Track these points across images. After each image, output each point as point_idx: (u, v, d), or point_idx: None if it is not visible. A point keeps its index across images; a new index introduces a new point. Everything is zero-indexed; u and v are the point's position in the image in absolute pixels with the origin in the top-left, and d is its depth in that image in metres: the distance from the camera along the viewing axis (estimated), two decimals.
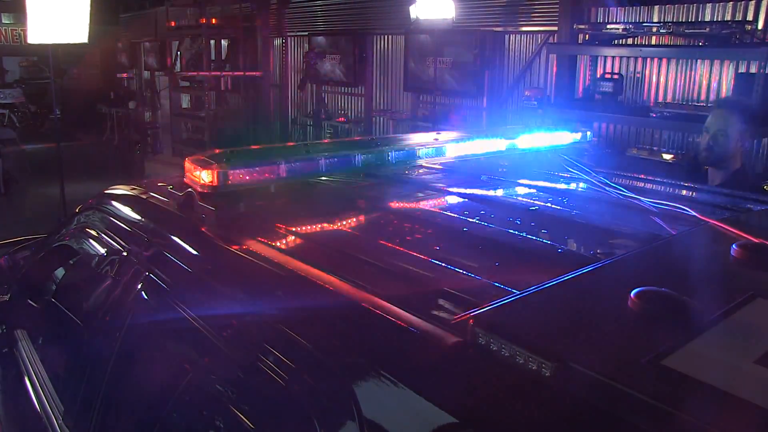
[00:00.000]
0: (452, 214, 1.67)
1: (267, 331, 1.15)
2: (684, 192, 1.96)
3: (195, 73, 10.20)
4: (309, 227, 1.55)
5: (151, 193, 1.93)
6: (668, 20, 4.99)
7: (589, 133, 2.29)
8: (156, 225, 1.74)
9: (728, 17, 4.66)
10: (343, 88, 8.71)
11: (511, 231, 1.46)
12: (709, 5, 4.76)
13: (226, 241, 1.45)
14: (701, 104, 4.84)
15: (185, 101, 12.14)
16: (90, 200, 2.15)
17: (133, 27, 14.08)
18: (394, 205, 1.72)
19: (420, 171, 2.11)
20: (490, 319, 0.90)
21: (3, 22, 15.84)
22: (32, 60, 16.37)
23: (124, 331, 1.55)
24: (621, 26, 5.12)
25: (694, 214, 1.48)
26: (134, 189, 2.05)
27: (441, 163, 2.03)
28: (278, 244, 1.44)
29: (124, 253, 1.71)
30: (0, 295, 2.49)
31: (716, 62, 4.80)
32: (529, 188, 1.96)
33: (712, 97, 4.81)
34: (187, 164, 1.55)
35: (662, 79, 5.15)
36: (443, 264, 1.25)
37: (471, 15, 6.61)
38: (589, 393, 0.76)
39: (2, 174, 9.17)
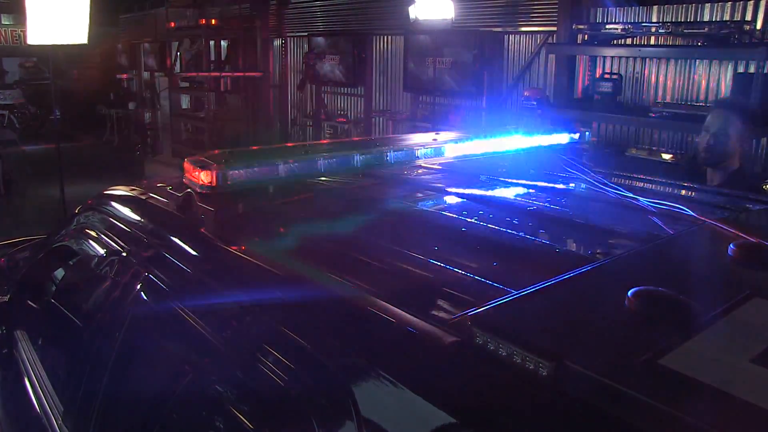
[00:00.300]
0: (451, 214, 1.68)
1: (266, 332, 1.15)
2: (682, 192, 1.97)
3: (195, 74, 10.21)
4: (308, 227, 1.55)
5: (151, 194, 1.93)
6: (667, 20, 4.99)
7: (588, 133, 2.29)
8: (155, 226, 1.74)
9: (727, 17, 4.67)
10: (342, 89, 8.72)
11: (510, 231, 1.46)
12: (707, 5, 4.77)
13: (225, 241, 1.45)
14: (700, 104, 4.85)
15: (185, 102, 12.15)
16: (89, 201, 2.15)
17: (132, 28, 14.09)
18: (393, 205, 1.73)
19: (419, 171, 2.11)
20: (488, 319, 0.90)
21: (3, 23, 15.85)
22: (32, 61, 16.37)
23: (124, 332, 1.55)
24: (620, 26, 5.13)
25: (692, 213, 1.48)
26: (134, 190, 2.06)
27: (440, 164, 2.03)
28: (277, 244, 1.44)
29: (124, 254, 1.71)
30: (0, 296, 2.50)
31: (715, 62, 4.81)
32: (528, 188, 1.96)
33: (710, 97, 4.82)
34: (186, 165, 1.55)
35: (661, 79, 5.16)
36: (441, 264, 1.25)
37: (470, 15, 6.62)
38: (587, 392, 0.77)
39: (2, 175, 9.17)
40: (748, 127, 2.83)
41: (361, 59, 8.17)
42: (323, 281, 1.17)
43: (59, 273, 2.29)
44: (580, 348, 0.85)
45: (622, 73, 5.37)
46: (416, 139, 1.96)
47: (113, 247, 1.80)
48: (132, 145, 12.28)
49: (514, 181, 2.01)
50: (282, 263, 1.30)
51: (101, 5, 7.84)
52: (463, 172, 2.05)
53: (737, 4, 4.61)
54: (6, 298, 2.47)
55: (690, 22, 4.85)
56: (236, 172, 1.50)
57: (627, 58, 5.34)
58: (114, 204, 1.99)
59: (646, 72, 5.25)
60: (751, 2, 4.54)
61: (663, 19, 5.04)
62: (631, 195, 1.68)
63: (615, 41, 5.31)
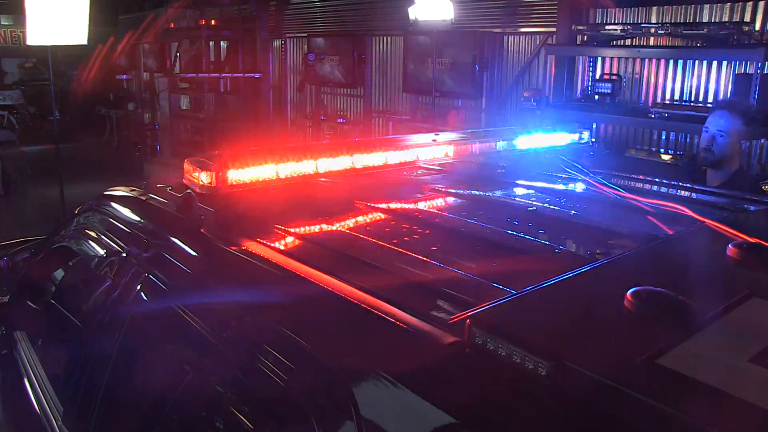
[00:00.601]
0: (450, 215, 1.68)
1: (266, 332, 1.15)
2: (681, 192, 1.97)
3: (194, 75, 10.21)
4: (308, 228, 1.56)
5: (151, 195, 1.94)
6: (666, 21, 5.00)
7: (587, 133, 2.30)
8: (155, 226, 1.75)
9: (726, 18, 4.67)
10: (341, 90, 8.72)
11: (509, 231, 1.47)
12: (706, 6, 4.77)
13: (225, 242, 1.45)
14: (699, 105, 4.85)
15: (184, 103, 12.14)
16: (89, 201, 2.15)
17: (132, 28, 14.08)
18: (393, 205, 1.73)
19: (418, 172, 2.12)
20: (487, 319, 0.91)
21: (2, 23, 15.85)
22: (31, 61, 16.36)
23: (124, 332, 1.56)
24: (619, 27, 5.13)
25: (691, 214, 1.49)
26: (133, 190, 2.06)
27: (439, 164, 2.03)
28: (277, 244, 1.44)
29: (124, 254, 1.72)
30: (0, 297, 2.50)
31: (714, 63, 4.81)
32: (527, 189, 1.97)
33: (710, 97, 4.83)
34: (186, 165, 1.56)
35: (660, 80, 5.17)
36: (441, 264, 1.25)
37: (470, 16, 6.62)
38: (585, 392, 0.77)
39: (2, 175, 9.17)
40: (747, 128, 2.83)
41: (360, 60, 8.17)
42: (323, 282, 1.17)
43: (59, 273, 2.30)
44: (579, 348, 0.85)
45: (622, 73, 5.37)
46: (416, 139, 1.96)
47: (113, 247, 1.80)
48: (131, 146, 12.26)
49: (514, 181, 2.02)
50: (282, 264, 1.30)
51: (101, 6, 7.85)
52: (462, 172, 2.05)
53: (736, 5, 4.61)
54: (6, 299, 2.47)
55: (689, 23, 4.86)
56: (236, 172, 1.50)
57: (626, 58, 5.35)
58: (114, 204, 1.99)
59: (646, 73, 5.26)
60: (750, 3, 4.54)
61: (662, 19, 5.05)
62: (630, 195, 1.68)
63: (614, 42, 5.32)
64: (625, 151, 5.28)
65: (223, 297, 1.32)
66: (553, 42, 5.83)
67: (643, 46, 5.20)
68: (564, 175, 2.00)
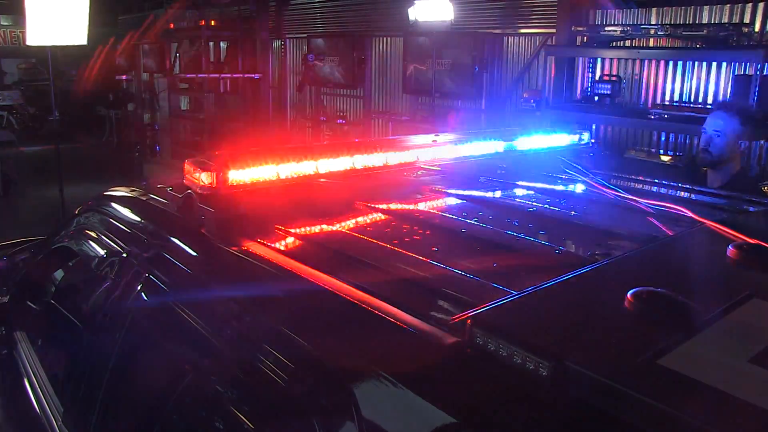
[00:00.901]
0: (450, 216, 1.68)
1: (266, 332, 1.15)
2: (681, 193, 1.97)
3: (194, 75, 10.21)
4: (308, 229, 1.56)
5: (151, 195, 1.94)
6: (666, 22, 5.00)
7: (587, 134, 2.30)
8: (155, 226, 1.75)
9: (725, 19, 4.67)
10: (341, 90, 8.72)
11: (509, 232, 1.47)
12: (706, 7, 4.78)
13: (225, 242, 1.45)
14: (699, 106, 4.85)
15: (184, 103, 12.13)
16: (89, 202, 2.16)
17: (132, 29, 14.08)
18: (393, 206, 1.73)
19: (418, 172, 2.12)
20: (488, 320, 0.91)
21: (1, 23, 15.84)
22: (31, 62, 16.35)
23: (124, 333, 1.56)
24: (619, 28, 5.13)
25: (691, 215, 1.49)
26: (133, 190, 2.06)
27: (439, 165, 2.03)
28: (277, 245, 1.44)
29: (124, 255, 1.72)
30: (0, 297, 2.50)
31: (714, 64, 4.81)
32: (527, 190, 1.97)
33: (710, 98, 4.83)
34: (187, 166, 1.56)
35: (660, 81, 5.17)
36: (442, 265, 1.25)
37: (469, 17, 6.63)
38: (586, 392, 0.77)
39: (1, 176, 9.16)
40: (745, 128, 2.84)
41: (360, 61, 8.17)
42: (323, 282, 1.17)
43: (59, 274, 2.30)
44: (579, 348, 0.85)
45: (622, 74, 5.38)
46: (415, 140, 1.97)
47: (113, 247, 1.80)
48: (131, 146, 12.25)
49: (514, 182, 2.02)
50: (282, 264, 1.30)
51: (100, 6, 7.85)
52: (462, 173, 2.06)
53: (735, 6, 4.61)
54: (6, 299, 2.47)
55: (689, 24, 4.86)
56: (236, 173, 1.50)
57: (626, 59, 5.35)
58: (114, 205, 1.99)
59: (645, 74, 5.26)
60: (750, 4, 4.55)
61: (662, 21, 5.05)
62: (631, 196, 1.68)
63: (614, 43, 5.32)
64: (625, 152, 5.28)
65: (224, 297, 1.32)
66: (553, 43, 5.83)
67: (643, 47, 5.21)
68: (564, 176, 2.01)
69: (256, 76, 9.82)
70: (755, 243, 1.17)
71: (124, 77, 14.53)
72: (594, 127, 5.43)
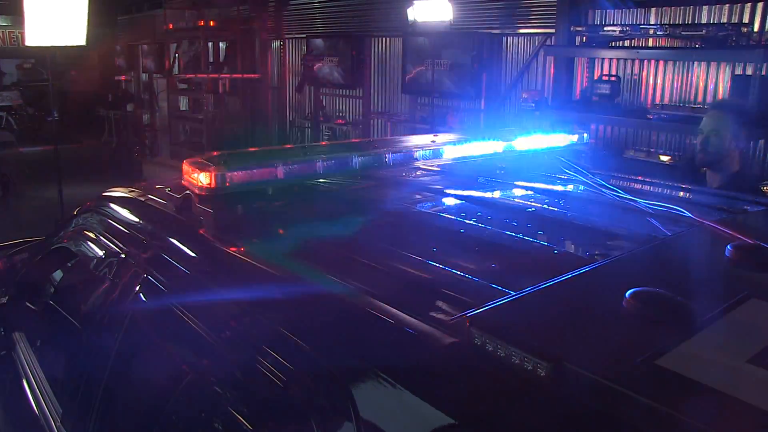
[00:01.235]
0: (449, 216, 1.68)
1: (265, 333, 1.15)
2: (680, 193, 1.97)
3: (193, 76, 10.21)
4: (306, 229, 1.56)
5: (149, 196, 1.94)
6: (665, 22, 5.00)
7: (586, 134, 2.30)
8: (154, 227, 1.74)
9: (724, 19, 4.68)
10: (341, 91, 8.72)
11: (508, 232, 1.47)
12: (705, 7, 4.78)
13: (224, 243, 1.45)
14: (698, 106, 4.85)
15: (183, 104, 12.14)
16: (88, 203, 2.15)
17: (130, 29, 14.08)
18: (392, 206, 1.73)
19: (417, 173, 2.12)
20: (487, 320, 0.91)
21: (0, 24, 15.83)
22: (30, 62, 16.34)
23: (123, 334, 1.55)
24: (618, 28, 5.13)
25: (690, 215, 1.49)
26: (132, 191, 2.06)
27: (438, 165, 2.03)
28: (275, 245, 1.44)
29: (123, 256, 1.71)
30: None
31: (713, 64, 4.82)
32: (526, 190, 1.97)
33: (709, 98, 4.83)
34: (185, 166, 1.56)
35: (659, 81, 5.17)
36: (440, 265, 1.25)
37: (469, 17, 6.63)
38: (584, 393, 0.77)
39: (0, 176, 9.16)
40: (743, 129, 2.84)
41: (359, 61, 8.17)
42: (322, 282, 1.17)
43: (58, 274, 2.29)
44: (578, 349, 0.85)
45: (621, 74, 5.38)
46: (414, 140, 1.97)
47: (112, 248, 1.80)
48: (130, 147, 12.26)
49: (513, 182, 2.02)
50: (281, 264, 1.30)
51: (99, 7, 7.85)
52: (461, 173, 2.06)
53: (735, 6, 4.62)
54: (4, 300, 2.47)
55: (688, 24, 4.86)
56: (235, 173, 1.50)
57: (625, 59, 5.35)
58: (113, 206, 1.99)
59: (645, 74, 5.26)
60: (749, 4, 4.55)
61: (661, 20, 5.05)
62: (629, 197, 1.68)
63: (613, 43, 5.32)
64: (624, 152, 5.28)
65: (222, 298, 1.32)
66: (552, 43, 5.83)
67: (642, 47, 5.21)
68: (563, 176, 2.01)
69: (256, 76, 9.82)
70: (754, 243, 1.17)
71: (123, 78, 14.54)
72: (593, 127, 5.43)
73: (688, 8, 4.88)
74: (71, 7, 5.44)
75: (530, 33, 6.24)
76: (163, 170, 9.88)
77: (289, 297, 1.21)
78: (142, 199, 1.96)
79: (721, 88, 4.78)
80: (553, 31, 5.81)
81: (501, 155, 2.03)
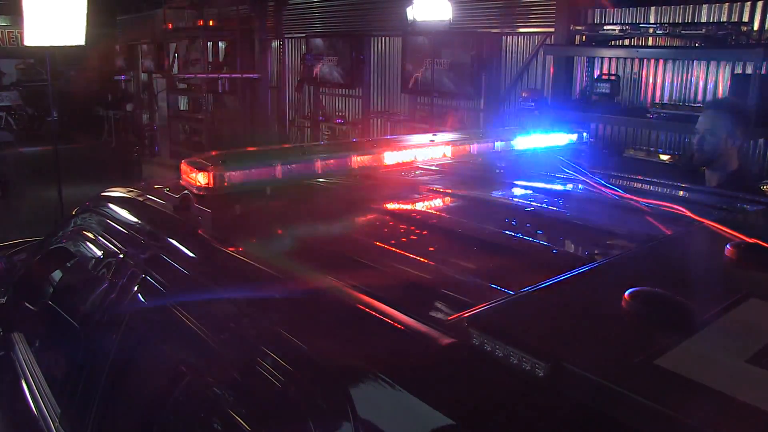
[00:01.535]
0: (448, 215, 1.68)
1: (263, 333, 1.15)
2: (679, 192, 1.97)
3: (192, 75, 10.21)
4: (305, 229, 1.55)
5: (148, 196, 1.93)
6: (665, 21, 5.00)
7: (585, 134, 2.30)
8: (153, 227, 1.74)
9: (724, 18, 4.67)
10: (340, 90, 8.72)
11: (507, 232, 1.47)
12: (705, 6, 4.78)
13: (222, 243, 1.45)
14: (698, 105, 4.85)
15: (183, 103, 12.14)
16: (87, 202, 2.15)
17: (130, 29, 14.08)
18: (390, 206, 1.73)
19: (416, 172, 2.11)
20: (485, 320, 0.90)
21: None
22: (29, 62, 16.34)
23: (121, 334, 1.55)
24: (618, 27, 5.14)
25: (689, 214, 1.49)
26: (131, 191, 2.06)
27: (437, 165, 2.03)
28: (274, 245, 1.44)
29: (121, 256, 1.71)
30: None
31: (713, 63, 4.82)
32: (526, 189, 1.97)
33: (708, 97, 4.83)
34: (184, 166, 1.55)
35: (659, 80, 5.17)
36: (439, 265, 1.25)
37: (468, 17, 6.63)
38: (583, 393, 0.77)
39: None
40: (738, 128, 2.83)
41: (359, 60, 8.17)
42: (320, 282, 1.17)
43: (57, 275, 2.29)
44: (576, 349, 0.85)
45: (620, 74, 5.38)
46: (413, 140, 1.96)
47: (111, 248, 1.80)
48: (129, 147, 12.26)
49: (512, 182, 2.01)
50: (279, 264, 1.30)
51: (98, 6, 7.84)
52: (460, 173, 2.05)
53: (734, 5, 4.62)
54: (3, 300, 2.46)
55: (687, 23, 4.86)
56: (233, 173, 1.50)
57: (625, 59, 5.35)
58: (111, 206, 1.99)
59: (644, 73, 5.26)
60: (749, 3, 4.55)
61: (661, 20, 5.05)
62: (629, 196, 1.68)
63: (613, 42, 5.32)
64: (624, 151, 5.28)
65: (221, 298, 1.32)
66: (552, 42, 5.83)
67: (642, 46, 5.21)
68: (562, 176, 2.00)
69: (255, 76, 9.82)
70: (753, 242, 1.16)
71: (122, 77, 14.54)
72: (593, 126, 5.43)
73: (687, 7, 4.88)
74: (70, 6, 5.44)
75: (530, 32, 6.24)
76: (162, 170, 9.88)
77: (287, 297, 1.20)
78: (141, 199, 1.96)
79: (720, 87, 4.78)
80: (552, 30, 5.81)
81: (500, 154, 2.03)
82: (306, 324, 1.11)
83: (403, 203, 1.76)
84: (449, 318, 0.96)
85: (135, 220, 1.84)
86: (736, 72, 4.62)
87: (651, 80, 5.22)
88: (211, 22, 9.92)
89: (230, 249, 1.42)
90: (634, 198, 1.65)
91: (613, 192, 1.75)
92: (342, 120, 8.72)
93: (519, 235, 1.44)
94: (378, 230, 1.57)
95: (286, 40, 9.69)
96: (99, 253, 1.89)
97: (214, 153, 1.63)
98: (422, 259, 1.28)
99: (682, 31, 4.77)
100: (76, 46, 5.70)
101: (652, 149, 5.21)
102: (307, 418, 0.97)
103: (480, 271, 1.23)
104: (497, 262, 1.30)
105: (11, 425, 2.10)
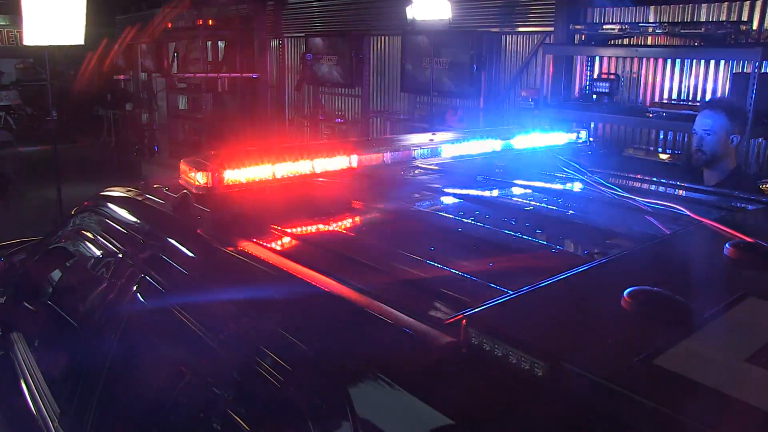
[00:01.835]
0: (447, 215, 1.68)
1: (262, 333, 1.15)
2: (678, 192, 1.97)
3: (192, 75, 10.20)
4: (304, 228, 1.55)
5: (147, 195, 1.93)
6: (664, 20, 5.00)
7: (585, 133, 2.30)
8: (152, 227, 1.74)
9: (723, 17, 4.67)
10: (339, 89, 8.72)
11: (506, 231, 1.47)
12: (704, 5, 4.78)
13: (221, 242, 1.45)
14: (697, 104, 4.85)
15: (182, 103, 12.12)
16: (86, 202, 2.15)
17: (129, 28, 14.06)
18: (390, 205, 1.72)
19: (416, 172, 2.11)
20: (484, 319, 0.90)
21: None
22: (28, 62, 16.33)
23: (120, 334, 1.55)
24: (617, 26, 5.13)
25: (688, 213, 1.49)
26: (130, 191, 2.06)
27: (437, 164, 2.03)
28: (273, 245, 1.44)
29: (120, 255, 1.71)
30: None
31: (712, 62, 4.81)
32: (525, 188, 1.97)
33: (708, 96, 4.83)
34: (183, 166, 1.55)
35: (658, 79, 5.17)
36: (437, 264, 1.25)
37: (467, 16, 6.62)
38: (582, 392, 0.77)
39: None
40: (733, 125, 2.84)
41: (358, 60, 8.17)
42: (319, 282, 1.16)
43: (56, 274, 2.29)
44: (575, 348, 0.85)
45: (620, 73, 5.38)
46: (413, 139, 1.96)
47: (110, 248, 1.80)
48: (129, 146, 12.24)
49: (511, 181, 2.01)
50: (278, 264, 1.30)
51: (98, 6, 7.84)
52: (459, 172, 2.05)
53: (733, 4, 4.61)
54: (2, 300, 2.46)
55: (687, 22, 4.86)
56: (232, 172, 1.50)
57: (624, 58, 5.35)
58: (111, 205, 1.99)
59: (644, 72, 5.26)
60: (748, 2, 4.55)
61: (660, 19, 5.05)
62: (628, 195, 1.68)
63: (612, 41, 5.32)
64: (624, 151, 5.28)
65: (220, 298, 1.32)
66: (551, 41, 5.83)
67: (641, 46, 5.20)
68: (561, 175, 2.00)
69: (255, 75, 9.81)
70: (752, 241, 1.16)
71: (122, 77, 14.52)
72: (592, 125, 5.43)
73: (687, 6, 4.88)
74: (69, 6, 5.43)
75: (529, 31, 6.23)
76: (161, 169, 9.88)
77: (286, 297, 1.20)
78: (140, 198, 1.96)
79: (720, 86, 4.78)
80: (552, 29, 5.81)
81: (500, 154, 2.03)
82: (305, 324, 1.11)
83: (402, 202, 1.76)
84: (448, 318, 0.96)
85: (134, 219, 1.84)
86: (735, 71, 4.62)
87: (650, 79, 5.22)
88: (210, 22, 9.90)
89: (229, 248, 1.42)
90: (634, 197, 1.65)
91: (612, 191, 1.75)
92: (341, 119, 8.72)
93: (518, 234, 1.44)
94: (377, 230, 1.57)
95: (285, 40, 9.68)
96: (98, 252, 1.89)
97: (213, 152, 1.62)
98: (422, 259, 1.28)
99: (682, 31, 4.77)
100: (75, 46, 5.70)
101: (651, 148, 5.21)
102: (306, 417, 0.97)
103: (479, 271, 1.22)
104: (496, 261, 1.30)
105: (10, 425, 2.10)
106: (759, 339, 0.86)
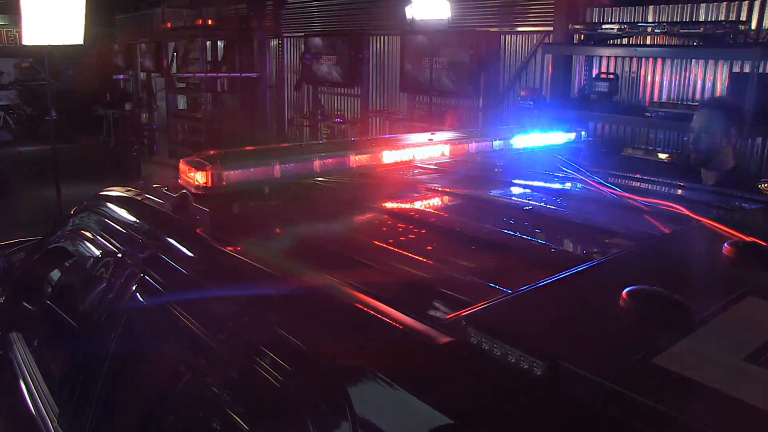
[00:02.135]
0: (446, 214, 1.68)
1: (261, 332, 1.15)
2: (677, 191, 1.97)
3: (191, 75, 10.20)
4: (303, 228, 1.55)
5: (146, 195, 1.93)
6: (663, 20, 5.01)
7: (584, 132, 2.30)
8: (151, 226, 1.74)
9: (722, 17, 4.68)
10: (339, 89, 8.72)
11: (505, 230, 1.47)
12: (703, 5, 4.78)
13: (220, 242, 1.44)
14: (696, 104, 4.86)
15: (182, 103, 12.13)
16: (85, 202, 2.15)
17: (129, 28, 14.06)
18: (389, 205, 1.73)
19: (415, 171, 2.11)
20: (483, 319, 0.90)
21: None
22: (27, 61, 16.33)
23: (120, 333, 1.55)
24: (616, 26, 5.14)
25: (687, 213, 1.49)
26: (129, 190, 2.05)
27: (436, 163, 2.03)
28: (273, 245, 1.44)
29: (119, 255, 1.71)
30: None
31: (711, 62, 4.82)
32: (524, 188, 1.97)
33: (707, 96, 4.84)
34: (182, 165, 1.55)
35: (657, 79, 5.17)
36: (437, 263, 1.25)
37: (467, 15, 6.63)
38: (581, 392, 0.77)
39: None
40: (734, 126, 2.84)
41: (357, 59, 8.17)
42: (319, 282, 1.16)
43: (55, 274, 2.29)
44: (574, 347, 0.85)
45: (619, 72, 5.38)
46: (412, 139, 1.96)
47: (109, 248, 1.80)
48: (128, 146, 12.25)
49: (510, 180, 2.01)
50: (277, 264, 1.30)
51: (97, 6, 7.84)
52: (458, 171, 2.05)
53: (732, 4, 4.62)
54: (1, 300, 2.46)
55: (686, 22, 4.87)
56: (232, 172, 1.50)
57: (623, 57, 5.36)
58: (110, 205, 1.99)
59: (643, 72, 5.26)
60: (746, 2, 4.55)
61: (659, 18, 5.05)
62: (627, 194, 1.68)
63: (611, 41, 5.33)
64: (623, 150, 5.29)
65: (219, 297, 1.32)
66: (550, 41, 5.83)
67: (640, 45, 5.21)
68: (560, 174, 2.00)
69: (254, 75, 9.82)
70: (751, 241, 1.17)
71: (121, 77, 14.53)
72: (591, 125, 5.44)
73: (686, 6, 4.89)
74: (69, 5, 5.42)
75: (528, 31, 6.24)
76: (161, 169, 9.88)
77: (285, 296, 1.20)
78: (139, 198, 1.96)
79: (719, 86, 4.78)
80: (551, 29, 5.81)
81: (499, 153, 2.03)
82: (304, 323, 1.11)
83: (401, 202, 1.76)
84: (447, 317, 0.96)
85: (133, 219, 1.84)
86: (734, 71, 4.62)
87: (649, 79, 5.23)
88: (209, 22, 9.91)
89: (228, 248, 1.42)
90: (632, 197, 1.65)
91: (611, 191, 1.75)
92: (341, 119, 8.72)
93: (517, 233, 1.44)
94: (377, 229, 1.57)
95: (284, 39, 9.69)
96: (97, 252, 1.89)
97: (212, 152, 1.62)
98: (420, 258, 1.28)
99: (681, 30, 4.78)
100: (74, 45, 5.69)
101: (650, 148, 5.22)
102: (306, 417, 0.97)
103: (478, 270, 1.22)
104: (495, 261, 1.30)
105: (10, 425, 2.10)
106: (757, 338, 0.86)
